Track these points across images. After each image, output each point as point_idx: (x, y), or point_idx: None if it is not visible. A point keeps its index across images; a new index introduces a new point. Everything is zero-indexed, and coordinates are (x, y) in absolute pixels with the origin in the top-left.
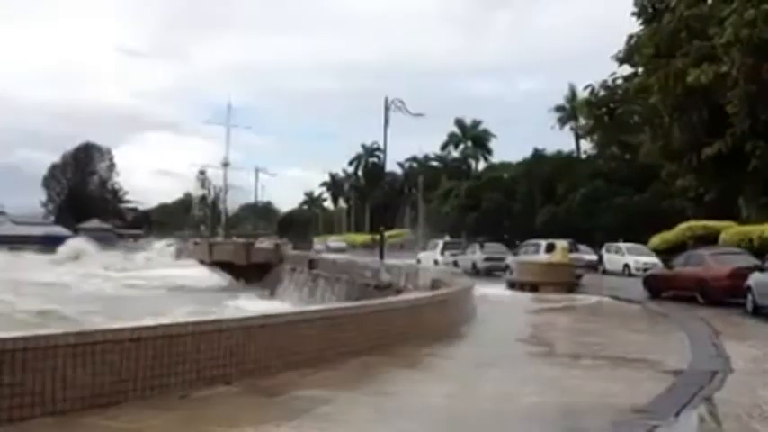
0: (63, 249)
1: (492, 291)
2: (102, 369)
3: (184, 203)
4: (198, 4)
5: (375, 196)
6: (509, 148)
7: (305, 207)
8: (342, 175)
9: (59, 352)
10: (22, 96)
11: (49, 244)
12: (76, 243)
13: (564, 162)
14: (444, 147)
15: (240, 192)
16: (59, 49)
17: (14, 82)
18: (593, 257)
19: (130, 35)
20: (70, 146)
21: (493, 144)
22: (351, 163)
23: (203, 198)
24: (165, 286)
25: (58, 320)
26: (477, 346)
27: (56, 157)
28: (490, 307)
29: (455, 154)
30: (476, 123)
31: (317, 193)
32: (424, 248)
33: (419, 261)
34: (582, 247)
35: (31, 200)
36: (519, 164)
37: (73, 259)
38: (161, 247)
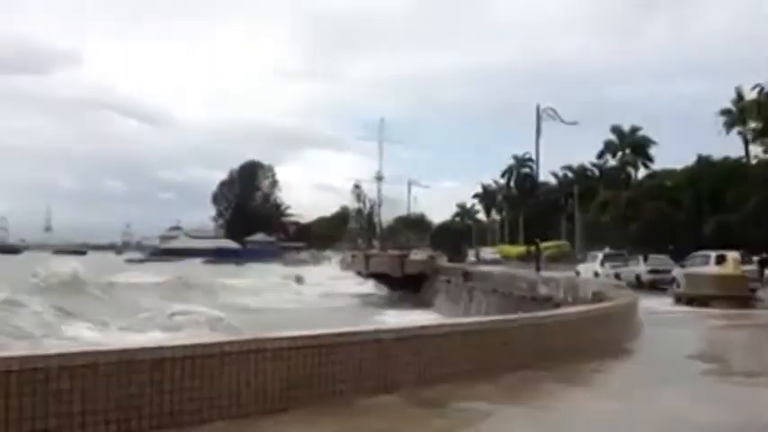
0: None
1: (658, 305)
2: (273, 376)
3: (342, 217)
4: (350, 24)
5: (529, 207)
6: (671, 155)
7: (458, 219)
8: (494, 186)
9: (232, 359)
10: (191, 117)
11: (219, 256)
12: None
13: (733, 168)
14: (601, 155)
15: (394, 204)
16: (224, 72)
17: (185, 104)
18: None
19: (288, 57)
20: (236, 164)
21: (653, 151)
22: (503, 174)
23: (359, 211)
24: (330, 295)
25: (227, 328)
26: (643, 363)
27: (223, 175)
28: (657, 321)
29: (612, 162)
30: (634, 129)
31: (469, 205)
32: (583, 260)
33: (578, 273)
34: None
35: (202, 215)
36: (683, 171)
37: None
38: (327, 260)
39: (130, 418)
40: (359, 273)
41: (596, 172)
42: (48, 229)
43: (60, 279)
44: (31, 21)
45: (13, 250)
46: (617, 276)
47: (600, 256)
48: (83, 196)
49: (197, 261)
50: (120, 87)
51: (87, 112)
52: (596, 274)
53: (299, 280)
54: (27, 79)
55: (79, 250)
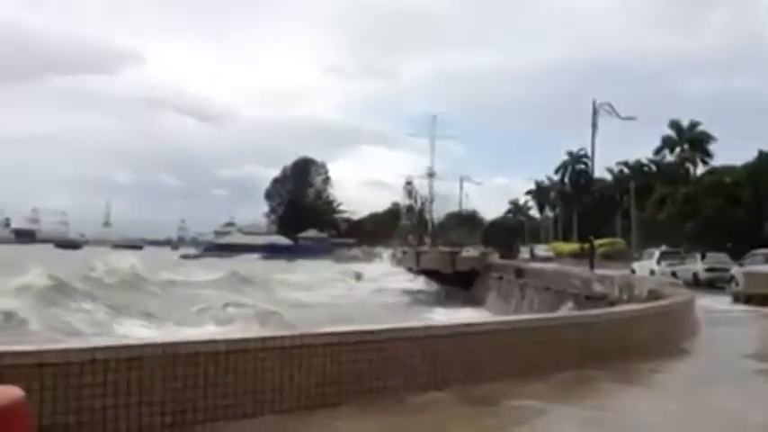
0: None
1: (715, 303)
2: (323, 370)
3: (393, 213)
4: (404, 20)
5: (583, 204)
6: (730, 151)
7: (510, 215)
8: (547, 182)
9: (282, 353)
10: (246, 114)
11: (271, 252)
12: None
13: None
14: (658, 151)
15: (446, 201)
16: (278, 70)
17: (240, 101)
18: None
19: (340, 55)
20: (289, 160)
21: (713, 146)
22: (557, 171)
23: (410, 208)
24: (382, 291)
25: (279, 322)
26: (700, 363)
27: (276, 171)
28: (714, 320)
29: (670, 158)
30: (693, 125)
31: (522, 201)
32: (639, 258)
33: (633, 271)
34: None
35: (255, 211)
36: (742, 167)
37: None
38: (378, 256)
39: (185, 409)
40: (410, 269)
41: (653, 168)
42: (106, 224)
43: (119, 276)
44: (96, 22)
45: (73, 245)
46: (674, 274)
47: (656, 253)
48: (140, 192)
49: (254, 257)
50: (178, 86)
51: (146, 110)
52: (652, 272)
53: (357, 277)
54: (90, 79)
55: (136, 245)
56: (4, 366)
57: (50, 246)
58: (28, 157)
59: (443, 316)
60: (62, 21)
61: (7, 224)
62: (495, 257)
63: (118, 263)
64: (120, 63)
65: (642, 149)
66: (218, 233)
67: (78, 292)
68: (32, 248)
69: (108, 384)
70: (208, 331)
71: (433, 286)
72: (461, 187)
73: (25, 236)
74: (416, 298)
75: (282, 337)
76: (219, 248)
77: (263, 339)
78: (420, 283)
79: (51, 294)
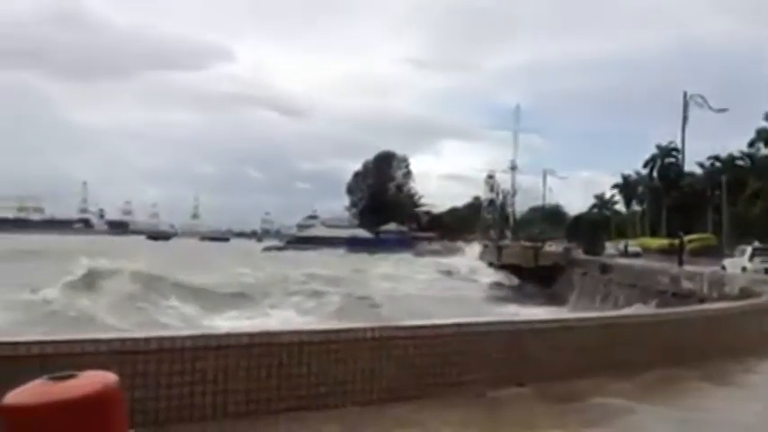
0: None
1: None
2: (404, 363)
3: (474, 207)
4: (485, 13)
5: (672, 198)
6: None
7: (595, 210)
8: (634, 176)
9: (365, 345)
10: (328, 109)
11: (353, 245)
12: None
13: None
14: (752, 143)
15: (528, 194)
16: (359, 65)
17: (321, 96)
18: None
19: (420, 48)
20: (370, 154)
21: None
22: (645, 164)
23: (491, 201)
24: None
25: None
26: None
27: (357, 165)
28: None
29: (765, 151)
30: None
31: (608, 196)
32: (730, 254)
33: (724, 268)
34: None
35: (337, 204)
36: None
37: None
38: (460, 251)
39: (269, 398)
40: (490, 264)
41: (747, 161)
42: (195, 216)
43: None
44: (185, 20)
45: (163, 236)
46: (767, 272)
47: (749, 250)
48: (226, 185)
49: (341, 251)
50: (263, 81)
51: (233, 105)
52: (744, 270)
53: (448, 273)
54: (179, 75)
55: (223, 237)
56: (100, 352)
57: (142, 237)
58: (121, 151)
59: (527, 311)
60: (150, 18)
61: (102, 216)
62: (578, 253)
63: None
64: (209, 59)
65: (735, 142)
66: (300, 226)
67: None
68: (126, 240)
69: (196, 372)
70: (294, 321)
71: (514, 281)
72: (544, 181)
73: (119, 227)
74: (495, 296)
75: (365, 329)
76: (302, 241)
77: (347, 331)
78: (501, 277)
79: None
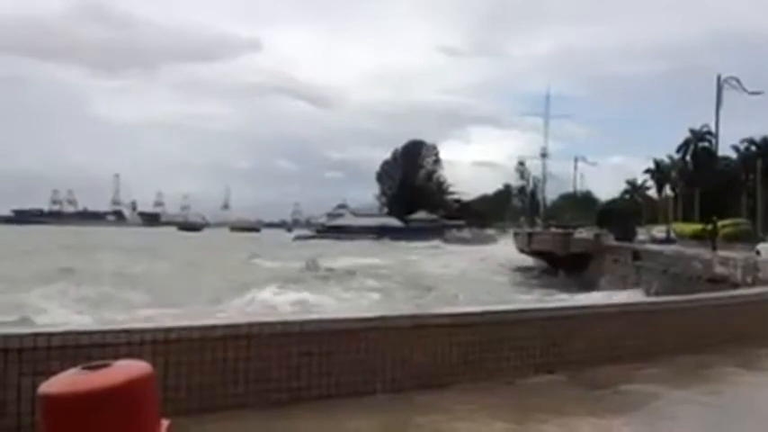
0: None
1: None
2: (435, 351)
3: (503, 194)
4: (512, 0)
5: (706, 183)
6: None
7: (626, 196)
8: (667, 161)
9: (397, 333)
10: (356, 98)
11: (382, 234)
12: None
13: None
14: None
15: (559, 181)
16: (388, 53)
17: (351, 85)
18: None
19: (450, 35)
20: (399, 142)
21: None
22: (678, 149)
23: (522, 188)
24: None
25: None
26: None
27: (386, 154)
28: None
29: None
30: None
31: (639, 181)
32: (764, 239)
33: (758, 253)
34: None
35: (367, 193)
36: None
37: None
38: (492, 239)
39: (301, 387)
40: (521, 250)
41: None
42: (225, 207)
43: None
44: (213, 11)
45: (194, 228)
46: None
47: None
48: (256, 176)
49: (371, 240)
50: (292, 72)
51: (261, 96)
52: None
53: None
54: (208, 67)
55: (254, 227)
56: (133, 342)
57: (173, 229)
58: (152, 144)
59: (558, 297)
60: (177, 10)
61: (134, 208)
62: (610, 239)
63: None
64: (237, 51)
65: None
66: (330, 215)
67: None
68: (158, 231)
69: (228, 361)
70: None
71: (546, 267)
72: (575, 167)
73: (150, 219)
74: (527, 283)
75: (396, 318)
76: (332, 230)
77: (379, 319)
78: (531, 264)
79: None
